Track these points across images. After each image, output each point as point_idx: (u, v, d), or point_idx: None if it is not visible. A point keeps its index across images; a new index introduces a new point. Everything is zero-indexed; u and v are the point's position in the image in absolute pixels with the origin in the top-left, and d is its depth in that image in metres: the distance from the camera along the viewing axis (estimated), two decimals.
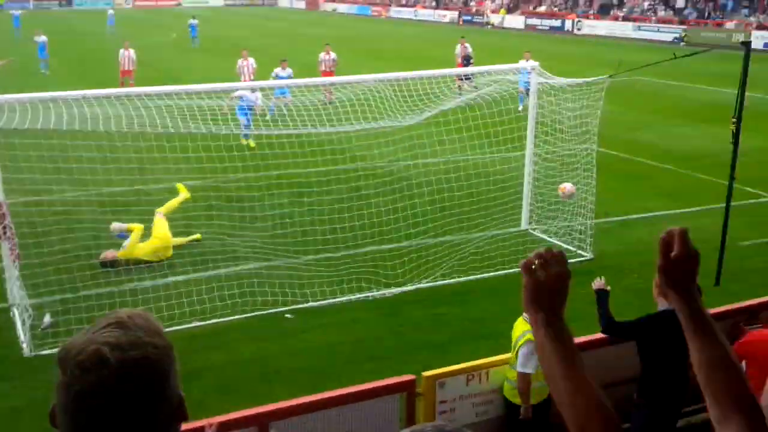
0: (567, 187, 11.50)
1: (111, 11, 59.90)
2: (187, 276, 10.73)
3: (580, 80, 12.08)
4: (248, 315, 9.87)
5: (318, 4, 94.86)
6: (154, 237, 11.51)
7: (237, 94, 16.87)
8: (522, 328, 6.53)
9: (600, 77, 11.71)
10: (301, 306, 10.10)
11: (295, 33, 55.35)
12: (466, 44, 28.55)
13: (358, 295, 10.39)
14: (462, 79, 18.98)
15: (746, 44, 10.28)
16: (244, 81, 22.84)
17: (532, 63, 12.52)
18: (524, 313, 6.43)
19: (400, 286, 10.70)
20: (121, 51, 27.91)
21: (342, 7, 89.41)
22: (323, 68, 26.11)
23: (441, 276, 10.98)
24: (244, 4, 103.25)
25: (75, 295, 9.86)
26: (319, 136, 14.04)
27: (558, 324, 1.83)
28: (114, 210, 12.28)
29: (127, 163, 14.01)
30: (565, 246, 12.00)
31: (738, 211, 13.35)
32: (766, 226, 13.17)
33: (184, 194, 12.40)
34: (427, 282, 10.83)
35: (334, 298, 10.30)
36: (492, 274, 11.19)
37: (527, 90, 14.27)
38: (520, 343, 6.43)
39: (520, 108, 17.94)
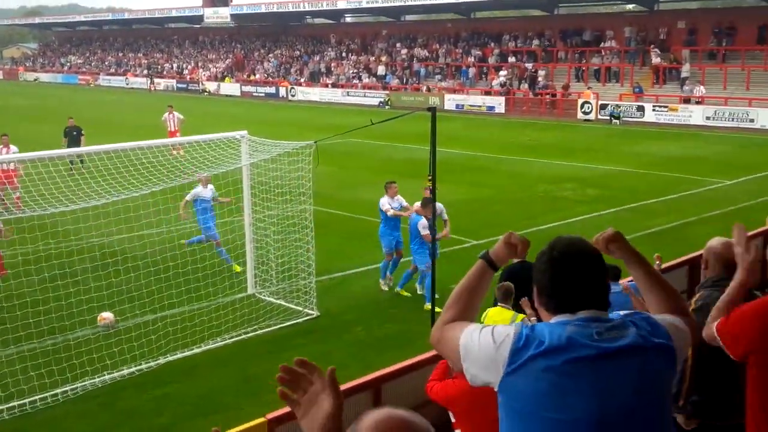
0: (105, 316, 11.28)
1: None
2: None
3: (288, 143, 12.37)
4: None
5: (17, 74, 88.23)
6: None
7: None
8: (502, 315, 7.35)
9: (308, 141, 12.11)
10: None
11: None
12: (174, 112, 28.28)
13: (68, 387, 9.42)
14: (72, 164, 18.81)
15: (432, 109, 11.24)
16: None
17: (242, 132, 12.52)
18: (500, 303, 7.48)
19: (117, 370, 9.92)
20: None
21: (45, 76, 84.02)
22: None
23: (164, 353, 10.39)
24: None
25: None
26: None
27: None
28: None
29: None
30: (293, 307, 12.07)
31: (446, 257, 14.46)
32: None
33: None
34: (149, 361, 10.18)
35: (41, 392, 9.25)
36: (220, 343, 10.86)
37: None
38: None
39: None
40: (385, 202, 13.11)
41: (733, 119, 36.40)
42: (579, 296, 2.49)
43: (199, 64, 71.85)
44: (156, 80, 70.18)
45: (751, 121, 35.79)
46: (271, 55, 67.65)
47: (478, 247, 15.92)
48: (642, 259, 2.88)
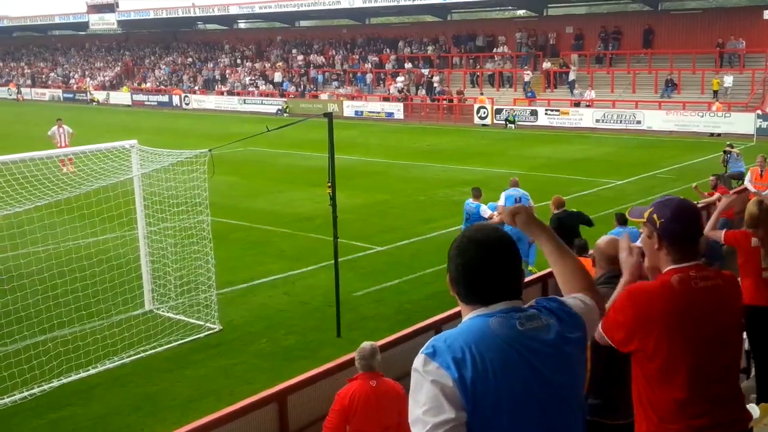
0: None
1: None
2: None
3: (181, 152, 11.97)
4: None
5: None
6: None
7: None
8: None
9: (202, 150, 11.75)
10: None
11: None
12: (64, 126, 26.91)
13: None
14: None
15: (328, 115, 11.22)
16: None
17: (131, 142, 12.01)
18: None
19: (9, 395, 9.27)
20: None
21: None
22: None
23: (57, 375, 9.79)
24: None
25: None
26: None
27: None
28: None
29: None
30: (193, 321, 11.65)
31: (349, 264, 14.37)
32: (374, 275, 14.26)
33: None
34: (42, 385, 9.57)
35: None
36: (117, 363, 10.35)
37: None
38: None
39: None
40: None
41: (621, 121, 37.96)
42: (493, 286, 2.43)
43: (86, 73, 69.13)
44: (40, 90, 67.20)
45: (638, 122, 37.42)
46: (162, 62, 65.82)
47: (380, 253, 15.89)
48: (548, 233, 2.92)
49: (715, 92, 37.88)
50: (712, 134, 33.99)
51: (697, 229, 3.41)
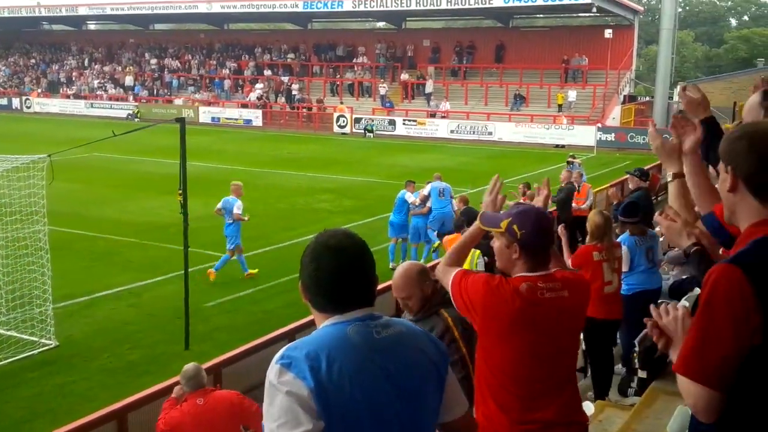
0: None
1: None
2: None
3: (16, 158, 11.15)
4: None
5: None
6: None
7: None
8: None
9: (40, 156, 10.99)
10: None
11: None
12: None
13: None
14: None
15: (180, 120, 10.82)
16: None
17: None
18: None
19: None
20: None
21: None
22: None
23: None
24: None
25: None
26: None
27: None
28: None
29: None
30: (26, 338, 10.79)
31: (203, 274, 13.86)
32: (228, 285, 13.82)
33: None
34: None
35: None
36: None
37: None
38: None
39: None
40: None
41: (474, 132, 39.21)
42: (348, 293, 2.34)
43: None
44: None
45: (490, 133, 38.79)
46: (1, 63, 61.57)
47: (236, 262, 15.40)
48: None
49: (560, 106, 40.04)
50: (557, 146, 35.80)
51: (551, 239, 3.54)
